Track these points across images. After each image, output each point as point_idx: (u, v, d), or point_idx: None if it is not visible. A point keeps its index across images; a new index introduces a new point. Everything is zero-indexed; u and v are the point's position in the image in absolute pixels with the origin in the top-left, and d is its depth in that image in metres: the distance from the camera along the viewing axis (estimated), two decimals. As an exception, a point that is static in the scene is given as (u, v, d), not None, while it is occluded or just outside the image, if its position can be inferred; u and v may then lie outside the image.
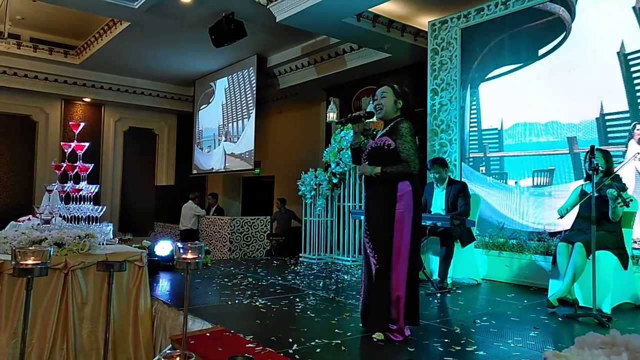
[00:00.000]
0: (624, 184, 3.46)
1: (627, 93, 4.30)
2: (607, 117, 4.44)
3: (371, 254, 2.73)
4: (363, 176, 2.90)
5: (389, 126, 2.80)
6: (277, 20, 6.07)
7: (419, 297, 2.82)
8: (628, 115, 4.29)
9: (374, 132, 2.94)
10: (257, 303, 3.51)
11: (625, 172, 4.15)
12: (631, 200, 3.36)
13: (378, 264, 2.68)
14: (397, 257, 2.66)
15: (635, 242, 3.96)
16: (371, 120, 3.08)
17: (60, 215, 3.53)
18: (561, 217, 3.77)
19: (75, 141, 3.59)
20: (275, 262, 6.04)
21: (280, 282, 4.47)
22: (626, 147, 4.27)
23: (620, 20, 4.36)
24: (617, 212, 3.45)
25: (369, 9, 6.06)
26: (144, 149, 11.36)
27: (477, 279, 4.65)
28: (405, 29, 6.70)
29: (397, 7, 6.29)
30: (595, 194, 3.50)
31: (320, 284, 4.37)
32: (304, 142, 9.90)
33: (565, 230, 4.05)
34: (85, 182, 3.55)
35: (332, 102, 6.51)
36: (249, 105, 9.01)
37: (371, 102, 6.13)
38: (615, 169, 3.59)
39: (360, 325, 2.87)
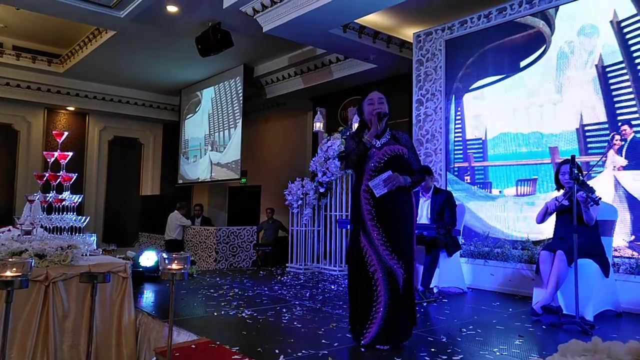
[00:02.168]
0: (591, 187, 3.54)
1: (605, 105, 4.42)
2: (586, 128, 4.55)
3: (397, 265, 2.64)
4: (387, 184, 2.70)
5: (388, 135, 2.79)
6: (263, 31, 6.11)
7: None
8: (607, 126, 4.41)
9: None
10: (243, 314, 3.48)
11: (604, 182, 4.25)
12: (600, 198, 3.44)
13: (405, 273, 2.66)
14: (414, 262, 2.78)
15: (615, 249, 4.04)
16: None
17: (41, 226, 3.47)
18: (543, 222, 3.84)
19: (58, 150, 3.54)
20: (261, 272, 6.00)
21: (266, 292, 4.44)
22: (605, 157, 4.37)
23: (598, 34, 4.49)
24: (591, 214, 3.52)
25: (355, 20, 6.14)
26: (129, 159, 11.23)
27: (462, 288, 4.68)
28: (391, 40, 6.80)
29: (383, 19, 6.39)
30: (567, 203, 3.58)
31: (307, 294, 4.36)
32: (291, 152, 9.91)
33: (548, 239, 4.11)
34: (69, 192, 3.50)
35: (318, 112, 6.55)
36: (236, 115, 9.00)
37: (356, 114, 6.16)
38: (582, 177, 3.68)
39: (369, 342, 2.66)
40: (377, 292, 2.66)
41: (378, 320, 2.64)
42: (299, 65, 8.37)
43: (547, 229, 4.01)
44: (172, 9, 6.30)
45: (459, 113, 5.66)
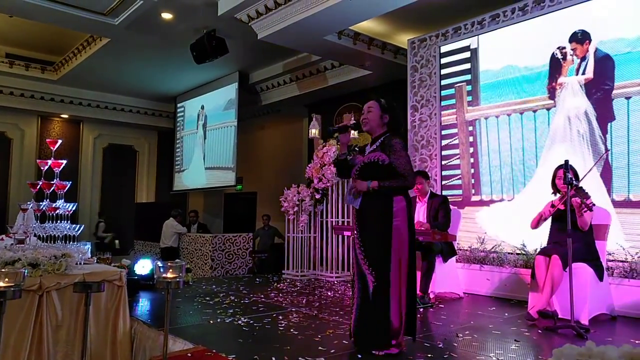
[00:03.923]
0: (587, 193, 3.57)
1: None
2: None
3: (368, 271, 2.67)
4: (350, 192, 2.84)
5: (379, 142, 2.80)
6: (258, 38, 6.13)
7: (416, 311, 2.84)
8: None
9: (356, 147, 2.98)
10: (239, 322, 3.46)
11: (591, 185, 4.27)
12: (594, 204, 3.46)
13: (376, 280, 2.64)
14: (397, 272, 2.65)
15: (609, 254, 4.06)
16: (357, 131, 3.12)
17: (35, 235, 3.44)
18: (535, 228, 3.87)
19: (52, 158, 3.52)
20: (257, 279, 5.98)
21: (262, 299, 4.42)
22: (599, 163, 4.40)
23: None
24: (585, 219, 3.54)
25: (350, 27, 6.18)
26: (124, 166, 11.20)
27: (459, 293, 4.68)
28: (386, 46, 6.84)
29: (378, 25, 6.43)
30: (563, 208, 3.60)
31: (304, 301, 4.34)
32: (286, 158, 9.92)
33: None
34: (62, 200, 3.47)
35: (314, 119, 6.56)
36: (231, 122, 9.00)
37: (352, 119, 6.18)
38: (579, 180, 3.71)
39: (352, 344, 2.78)
40: (353, 294, 2.79)
41: (352, 322, 2.76)
42: (294, 71, 8.41)
43: (540, 234, 4.02)
44: (166, 16, 6.31)
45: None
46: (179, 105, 10.69)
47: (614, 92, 4.35)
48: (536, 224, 3.87)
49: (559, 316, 3.50)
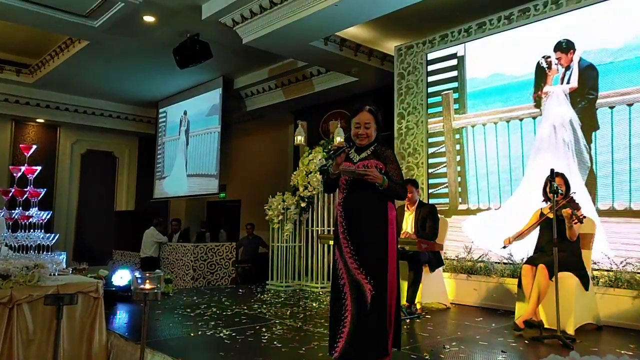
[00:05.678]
0: (578, 204, 3.58)
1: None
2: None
3: (364, 280, 2.58)
4: (344, 200, 2.72)
5: (370, 150, 2.77)
6: (243, 42, 6.05)
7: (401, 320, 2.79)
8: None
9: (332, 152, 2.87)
10: (221, 334, 3.37)
11: (576, 194, 4.29)
12: (584, 217, 3.47)
13: (374, 289, 2.56)
14: (392, 280, 2.63)
15: (594, 263, 4.07)
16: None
17: (6, 245, 3.28)
18: (504, 247, 3.87)
19: (25, 165, 3.38)
20: (240, 290, 5.87)
21: (245, 311, 4.31)
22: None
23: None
24: (574, 230, 3.54)
25: (336, 33, 6.15)
26: (103, 173, 10.92)
27: (445, 303, 4.64)
28: (372, 53, 6.84)
29: (364, 32, 6.42)
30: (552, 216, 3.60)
31: (288, 313, 4.25)
32: (271, 165, 9.80)
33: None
34: (36, 208, 3.33)
35: (299, 126, 6.50)
36: (215, 128, 8.87)
37: (339, 126, 6.12)
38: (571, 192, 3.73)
39: (334, 356, 2.68)
40: (345, 306, 2.64)
41: (345, 335, 2.61)
42: (280, 77, 8.34)
43: (527, 243, 4.01)
44: (148, 19, 6.18)
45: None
46: (160, 110, 10.50)
47: (598, 101, 4.39)
48: (519, 235, 3.83)
49: (545, 326, 3.48)
